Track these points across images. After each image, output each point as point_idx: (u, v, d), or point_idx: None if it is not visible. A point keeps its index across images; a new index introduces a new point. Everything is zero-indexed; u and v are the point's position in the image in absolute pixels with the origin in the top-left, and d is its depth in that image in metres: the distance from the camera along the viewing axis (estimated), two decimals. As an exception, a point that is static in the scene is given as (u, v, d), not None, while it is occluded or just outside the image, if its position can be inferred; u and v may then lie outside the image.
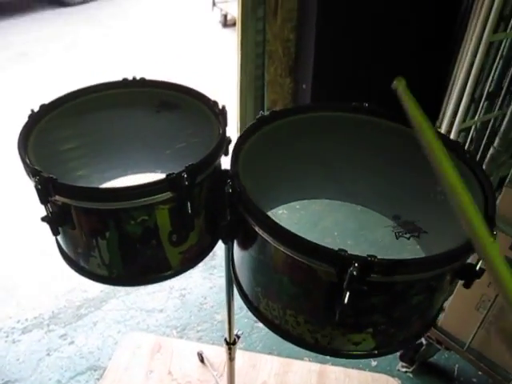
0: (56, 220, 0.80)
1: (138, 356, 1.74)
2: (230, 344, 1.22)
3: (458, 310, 1.56)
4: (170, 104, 0.95)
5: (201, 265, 0.93)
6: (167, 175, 0.74)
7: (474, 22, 2.05)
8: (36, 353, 1.80)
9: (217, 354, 1.73)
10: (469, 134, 2.19)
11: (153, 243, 0.82)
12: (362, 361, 1.73)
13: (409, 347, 1.69)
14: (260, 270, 0.76)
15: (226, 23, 4.73)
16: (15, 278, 2.10)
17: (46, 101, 0.92)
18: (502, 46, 2.04)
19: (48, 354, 1.79)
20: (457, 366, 1.76)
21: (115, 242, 0.80)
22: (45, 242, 2.18)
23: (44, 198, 0.76)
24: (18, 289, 2.05)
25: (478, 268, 0.69)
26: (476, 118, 2.13)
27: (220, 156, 0.84)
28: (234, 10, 4.30)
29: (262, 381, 1.66)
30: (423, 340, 1.67)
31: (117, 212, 0.77)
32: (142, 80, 0.98)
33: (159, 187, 0.75)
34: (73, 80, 3.56)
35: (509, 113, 1.50)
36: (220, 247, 0.96)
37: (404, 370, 1.74)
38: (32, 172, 0.75)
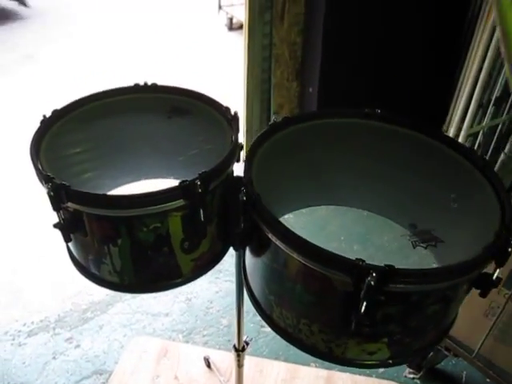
0: (68, 227, 0.80)
1: (144, 360, 1.73)
2: (239, 351, 1.21)
3: (467, 317, 1.54)
4: (182, 110, 0.94)
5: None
6: (180, 182, 0.74)
7: (482, 28, 2.05)
8: (42, 356, 1.79)
9: (223, 359, 1.72)
10: (476, 139, 2.18)
11: (165, 250, 0.81)
12: (370, 367, 1.72)
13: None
14: (274, 279, 0.76)
15: (232, 26, 4.73)
16: (21, 281, 2.10)
17: (58, 106, 0.92)
18: (510, 50, 2.03)
19: (54, 358, 1.79)
20: (464, 372, 1.74)
21: (127, 249, 0.80)
22: (51, 246, 2.19)
23: (56, 204, 0.76)
24: (24, 292, 2.05)
25: (494, 277, 0.69)
26: (484, 123, 2.12)
27: (233, 163, 0.83)
28: (240, 14, 4.31)
29: (269, 387, 1.65)
30: (431, 346, 1.66)
31: (129, 219, 0.77)
32: (154, 85, 0.98)
33: (172, 194, 0.75)
34: (77, 82, 3.57)
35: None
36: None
37: (411, 376, 1.73)
38: (45, 179, 0.75)
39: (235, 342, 1.21)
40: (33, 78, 3.78)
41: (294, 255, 0.67)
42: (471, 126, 2.04)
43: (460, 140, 2.03)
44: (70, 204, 0.76)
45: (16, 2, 4.87)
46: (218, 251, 0.90)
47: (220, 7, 4.67)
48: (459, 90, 2.25)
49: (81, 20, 4.87)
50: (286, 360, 1.76)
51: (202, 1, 5.13)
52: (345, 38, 2.22)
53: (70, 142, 0.89)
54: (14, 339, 1.85)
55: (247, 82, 2.42)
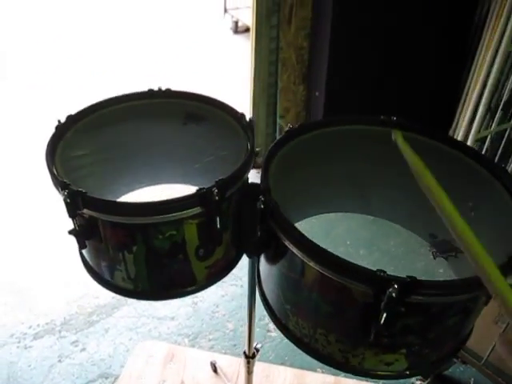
0: (83, 233, 0.79)
1: (150, 365, 1.73)
2: (250, 357, 1.21)
3: (476, 324, 1.53)
4: (197, 116, 0.94)
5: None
6: (197, 190, 0.73)
7: (490, 32, 2.04)
8: (48, 359, 1.79)
9: (230, 363, 1.71)
10: (484, 144, 2.17)
11: (180, 258, 0.81)
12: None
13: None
14: (291, 288, 0.75)
15: (237, 30, 4.72)
16: (27, 283, 2.09)
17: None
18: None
19: (59, 361, 1.78)
20: (472, 379, 1.73)
21: (142, 256, 0.79)
22: (57, 249, 2.18)
23: (73, 211, 0.75)
24: (30, 294, 2.04)
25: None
26: (492, 127, 2.12)
27: (249, 170, 0.83)
28: (246, 17, 4.31)
29: (276, 392, 1.65)
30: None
31: (145, 226, 0.76)
32: (168, 91, 0.98)
33: (189, 202, 0.74)
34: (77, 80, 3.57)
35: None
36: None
37: (419, 382, 1.72)
38: (61, 185, 0.74)
39: (245, 348, 1.21)
40: (33, 78, 3.78)
41: (314, 266, 0.66)
42: (479, 130, 2.04)
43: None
44: (85, 211, 0.75)
45: None
46: (231, 258, 0.90)
47: (225, 10, 4.67)
48: (466, 95, 2.25)
49: (81, 20, 4.87)
50: (292, 365, 1.75)
51: (207, 4, 5.13)
52: (351, 42, 2.22)
53: (84, 148, 0.89)
54: (19, 342, 1.84)
55: (254, 86, 2.41)
